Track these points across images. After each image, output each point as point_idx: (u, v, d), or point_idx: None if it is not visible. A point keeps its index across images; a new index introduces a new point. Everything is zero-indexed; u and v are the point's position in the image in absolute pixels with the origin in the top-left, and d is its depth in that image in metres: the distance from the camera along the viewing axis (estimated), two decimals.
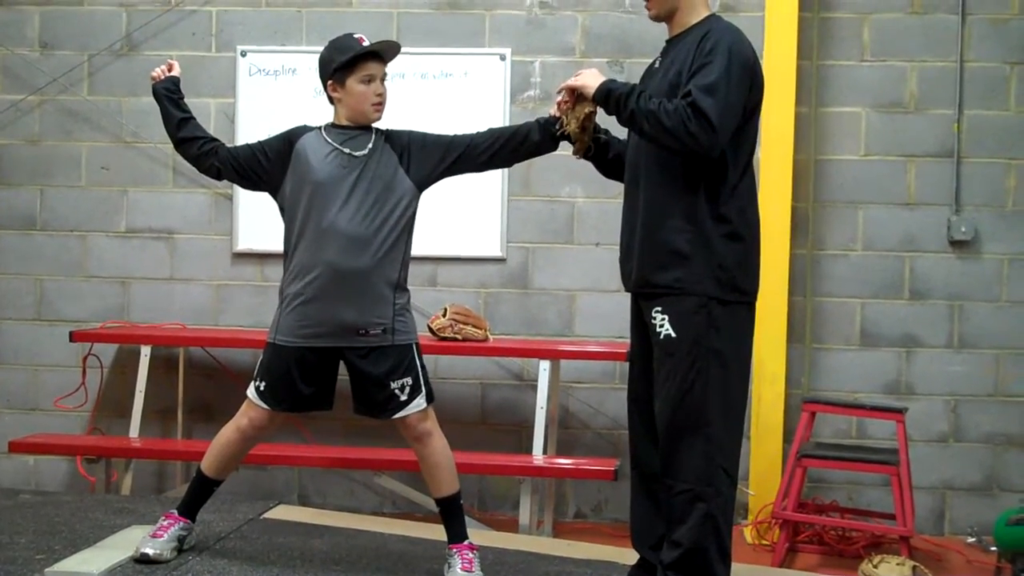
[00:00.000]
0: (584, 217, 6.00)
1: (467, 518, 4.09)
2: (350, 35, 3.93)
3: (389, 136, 3.96)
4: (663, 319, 3.61)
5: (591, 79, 3.67)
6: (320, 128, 3.96)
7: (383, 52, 3.91)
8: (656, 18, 3.75)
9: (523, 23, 6.04)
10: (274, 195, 3.98)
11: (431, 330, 5.56)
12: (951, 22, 5.89)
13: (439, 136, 3.99)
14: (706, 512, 3.56)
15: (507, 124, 5.81)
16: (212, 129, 5.92)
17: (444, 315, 5.60)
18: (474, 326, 5.64)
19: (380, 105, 3.91)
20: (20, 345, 6.25)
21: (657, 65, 3.73)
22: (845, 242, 5.96)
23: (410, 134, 3.98)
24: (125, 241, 6.22)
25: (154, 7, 6.15)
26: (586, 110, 3.72)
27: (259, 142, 4.03)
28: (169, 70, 4.13)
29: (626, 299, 3.89)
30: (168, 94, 4.08)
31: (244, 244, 6.12)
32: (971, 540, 5.70)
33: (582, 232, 6.00)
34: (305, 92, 5.87)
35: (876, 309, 5.95)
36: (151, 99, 4.20)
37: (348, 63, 3.85)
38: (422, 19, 6.07)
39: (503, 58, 5.99)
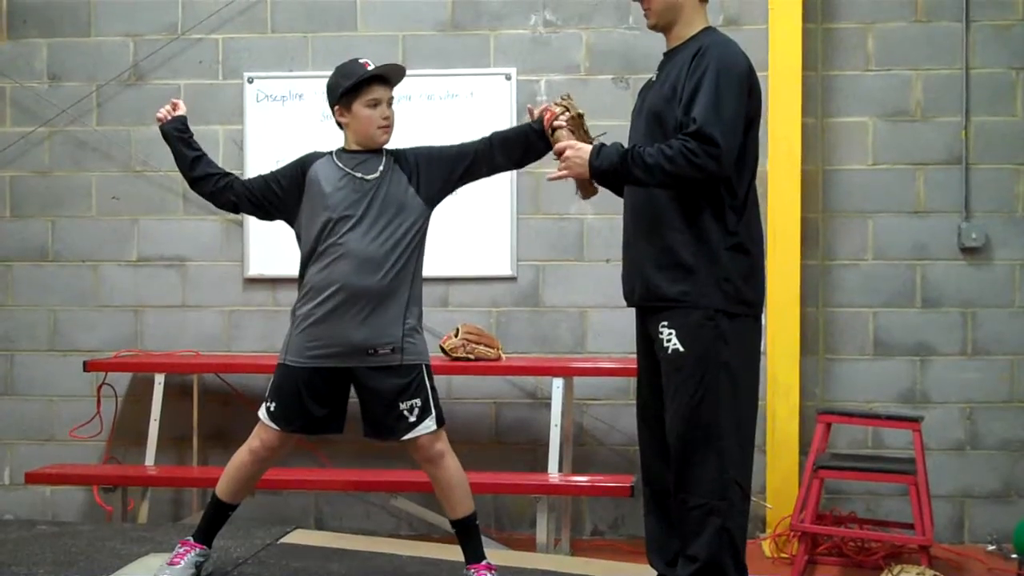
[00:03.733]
0: (593, 233, 6.00)
1: (484, 538, 4.07)
2: (355, 60, 3.94)
3: (398, 157, 3.97)
4: (670, 333, 3.60)
5: (579, 166, 3.63)
6: (331, 153, 3.97)
7: (388, 76, 3.93)
8: (654, 27, 3.76)
9: (528, 42, 6.06)
10: (291, 223, 4.00)
11: (443, 350, 5.56)
12: (955, 29, 5.89)
13: (443, 150, 3.99)
14: (721, 526, 3.55)
15: None
16: (221, 156, 5.98)
17: (456, 335, 5.60)
18: (486, 345, 5.64)
19: (387, 129, 3.92)
20: (35, 376, 6.27)
21: (655, 78, 3.75)
22: (856, 251, 5.95)
23: (416, 152, 3.99)
24: (137, 270, 6.24)
25: (161, 36, 6.19)
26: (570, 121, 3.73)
27: (272, 172, 4.05)
28: (175, 109, 4.13)
29: None
30: (179, 135, 4.08)
31: (255, 270, 6.14)
32: (991, 548, 5.69)
33: (592, 248, 6.01)
34: (313, 117, 5.89)
35: (888, 318, 5.93)
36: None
37: (353, 88, 3.87)
38: (427, 41, 6.10)
39: (508, 77, 6.01)
